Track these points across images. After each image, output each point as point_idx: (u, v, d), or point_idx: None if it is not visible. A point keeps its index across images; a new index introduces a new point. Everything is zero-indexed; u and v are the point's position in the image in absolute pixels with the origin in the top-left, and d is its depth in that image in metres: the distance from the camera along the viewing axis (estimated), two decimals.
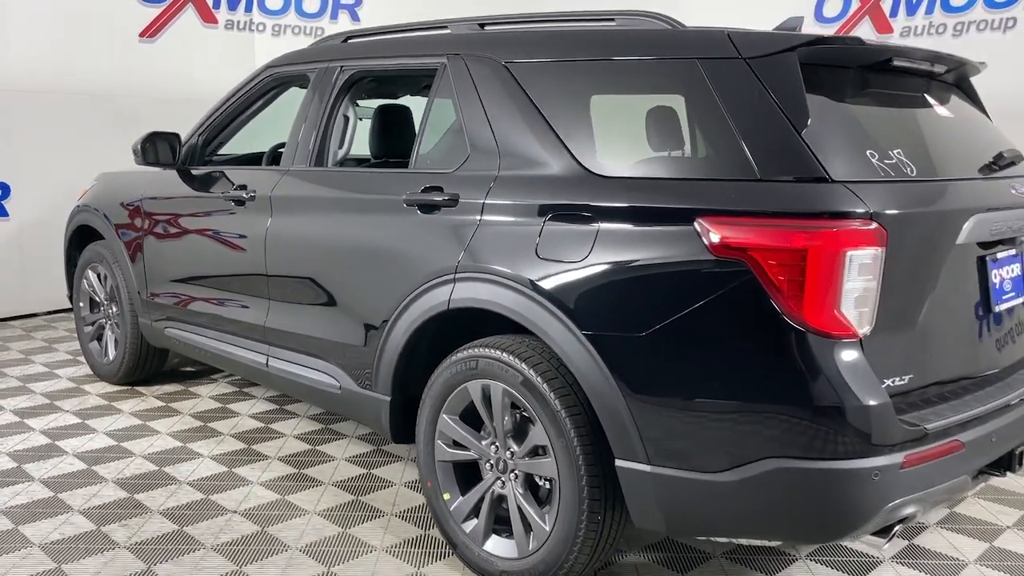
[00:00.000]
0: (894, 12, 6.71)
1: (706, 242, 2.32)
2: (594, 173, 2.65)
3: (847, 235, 2.19)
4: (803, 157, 2.28)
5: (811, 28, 7.08)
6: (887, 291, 2.27)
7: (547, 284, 2.61)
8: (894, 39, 6.67)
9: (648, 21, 2.80)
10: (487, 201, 2.85)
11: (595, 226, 2.55)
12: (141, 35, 7.08)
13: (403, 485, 3.71)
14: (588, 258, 2.54)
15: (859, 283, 2.21)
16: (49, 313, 6.94)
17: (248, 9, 7.55)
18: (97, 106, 6.76)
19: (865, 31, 6.85)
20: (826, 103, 2.45)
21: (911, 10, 6.62)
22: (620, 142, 2.78)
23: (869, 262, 2.21)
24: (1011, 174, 2.80)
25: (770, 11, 7.30)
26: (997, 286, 2.67)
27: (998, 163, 2.73)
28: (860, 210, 2.21)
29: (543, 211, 2.69)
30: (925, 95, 2.85)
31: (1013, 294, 2.76)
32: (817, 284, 2.19)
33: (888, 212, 2.23)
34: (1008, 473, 2.71)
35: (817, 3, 7.11)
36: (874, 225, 2.21)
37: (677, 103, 2.69)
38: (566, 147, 2.72)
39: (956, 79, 3.14)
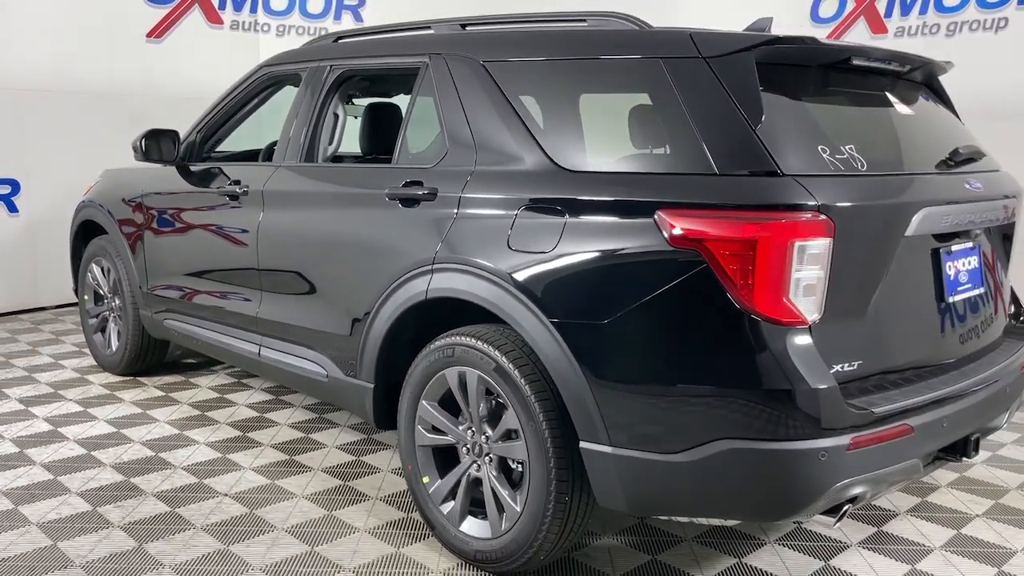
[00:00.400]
0: (888, 12, 6.78)
1: (665, 234, 2.42)
2: (563, 168, 2.76)
3: (795, 226, 2.29)
4: (757, 152, 2.38)
5: (807, 28, 7.16)
6: (836, 280, 2.37)
7: (517, 274, 2.72)
8: (889, 39, 6.74)
9: (617, 22, 2.90)
10: (463, 195, 2.97)
11: (563, 219, 2.66)
12: (148, 35, 7.23)
13: (390, 471, 3.83)
14: (555, 249, 2.64)
15: (807, 272, 2.31)
16: (58, 307, 7.10)
17: (253, 10, 7.69)
18: (105, 105, 6.91)
19: (860, 31, 6.93)
20: (782, 101, 2.54)
21: (905, 10, 6.69)
22: (590, 138, 2.88)
23: (817, 252, 2.31)
24: (969, 170, 2.89)
25: (764, 11, 7.40)
26: (951, 278, 2.76)
27: (954, 159, 2.82)
28: (809, 202, 2.31)
29: (515, 204, 2.80)
30: (887, 93, 2.94)
31: (969, 285, 2.85)
32: (766, 273, 2.29)
33: (836, 204, 2.33)
34: (963, 459, 2.80)
35: (813, 4, 7.19)
36: (822, 217, 2.31)
37: (644, 101, 2.79)
38: (538, 143, 2.84)
39: (924, 78, 3.23)
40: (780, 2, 7.45)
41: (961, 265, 2.81)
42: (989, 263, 3.04)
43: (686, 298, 2.42)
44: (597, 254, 2.57)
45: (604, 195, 2.62)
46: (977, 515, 3.51)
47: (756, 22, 3.02)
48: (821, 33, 7.11)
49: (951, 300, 2.77)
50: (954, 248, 2.77)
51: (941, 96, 3.30)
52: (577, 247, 2.61)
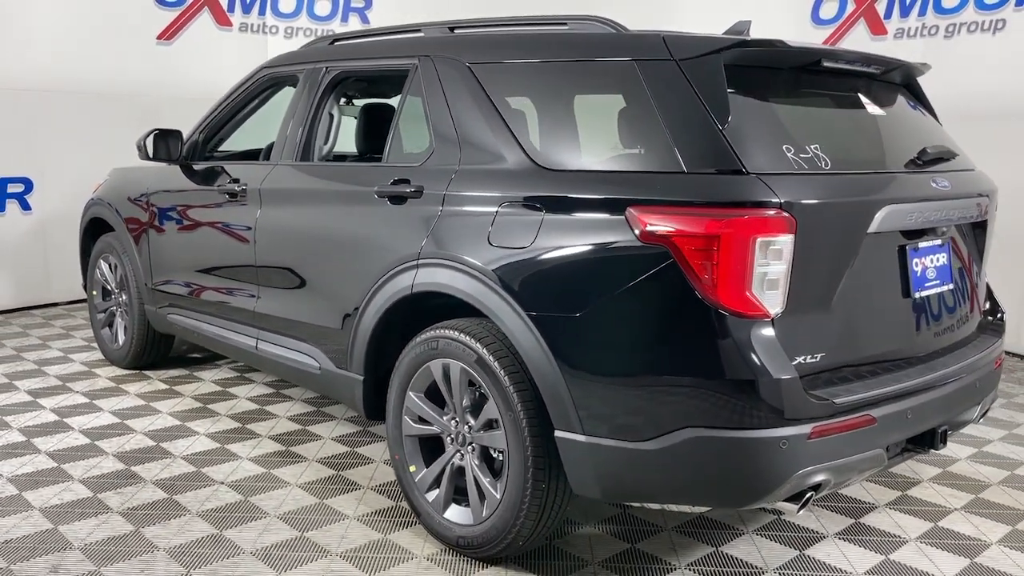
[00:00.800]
0: (888, 14, 6.82)
1: (635, 230, 2.52)
2: (542, 167, 2.85)
3: (757, 223, 2.38)
4: (723, 152, 2.47)
5: (807, 30, 7.23)
6: (799, 275, 2.45)
7: (496, 269, 2.82)
8: (888, 41, 6.79)
9: (595, 25, 2.99)
10: (448, 192, 3.07)
11: (540, 216, 2.76)
12: (158, 37, 7.37)
13: (382, 462, 3.94)
14: (533, 245, 2.74)
15: (769, 267, 2.40)
16: (69, 303, 7.25)
17: (262, 12, 7.82)
18: (116, 105, 7.05)
19: (860, 33, 6.98)
20: (750, 101, 2.63)
21: (904, 12, 6.74)
22: (568, 138, 2.96)
23: (779, 248, 2.40)
24: (940, 169, 2.96)
25: (767, 14, 7.48)
26: (918, 274, 2.83)
27: (921, 158, 2.89)
28: (771, 200, 2.39)
29: (496, 201, 2.90)
30: (860, 94, 3.01)
31: (937, 282, 2.92)
32: (729, 267, 2.38)
33: (798, 202, 2.42)
34: (931, 450, 2.88)
35: (813, 6, 7.25)
36: (784, 214, 2.40)
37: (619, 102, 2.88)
38: (518, 142, 2.93)
39: (903, 79, 3.30)
40: (781, 4, 7.52)
41: (929, 262, 2.88)
42: (961, 260, 3.11)
43: (655, 292, 2.51)
44: (572, 250, 2.66)
45: (579, 193, 2.72)
46: (956, 509, 3.58)
47: (735, 25, 3.10)
48: (822, 35, 7.18)
49: (918, 296, 2.84)
50: (921, 245, 2.85)
51: (919, 97, 3.37)
52: (553, 243, 2.70)
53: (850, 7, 7.05)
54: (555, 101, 3.05)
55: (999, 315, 3.44)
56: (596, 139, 2.93)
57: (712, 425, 2.42)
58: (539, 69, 3.05)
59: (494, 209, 2.90)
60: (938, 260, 2.92)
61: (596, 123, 2.99)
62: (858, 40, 6.93)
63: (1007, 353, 6.09)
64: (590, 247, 2.63)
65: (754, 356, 2.39)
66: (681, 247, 2.43)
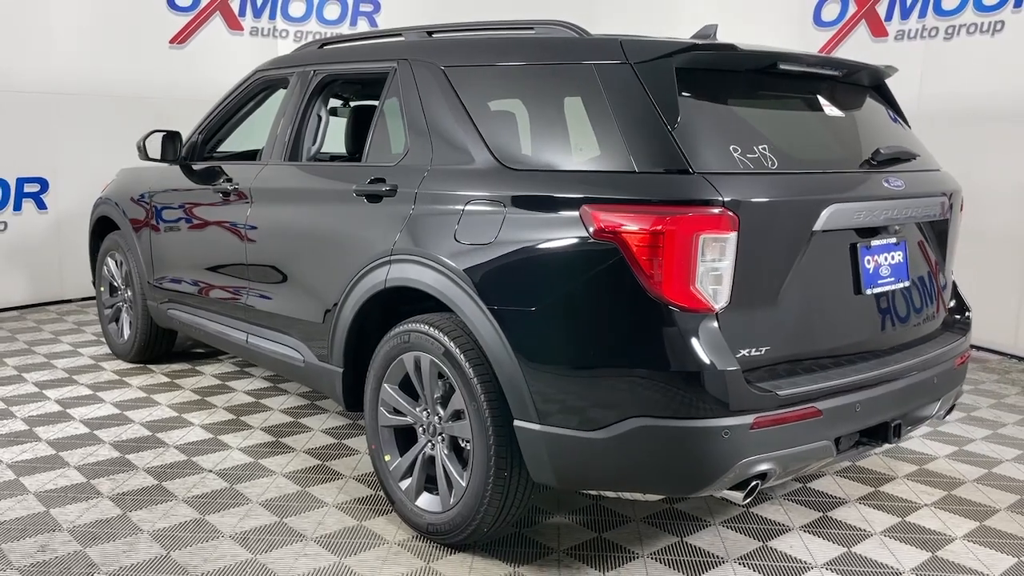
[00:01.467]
0: (888, 16, 6.85)
1: (589, 227, 2.61)
2: (506, 166, 2.96)
3: (700, 220, 2.47)
4: (671, 152, 2.56)
5: (809, 32, 7.27)
6: (743, 271, 2.53)
7: (461, 264, 2.93)
8: (889, 42, 6.82)
9: (560, 29, 3.09)
10: (419, 191, 3.18)
11: (502, 213, 2.86)
12: (171, 41, 7.56)
13: (366, 453, 4.05)
14: (494, 241, 2.85)
15: (713, 263, 2.49)
16: (82, 299, 7.46)
17: (272, 16, 7.98)
18: (129, 107, 7.24)
19: (861, 35, 7.01)
20: (701, 103, 2.72)
21: (905, 14, 6.75)
22: (530, 138, 3.06)
23: (722, 244, 2.48)
24: (899, 169, 3.03)
25: (768, 16, 7.52)
26: (870, 271, 2.90)
27: (875, 158, 2.95)
28: (715, 198, 2.48)
29: (463, 200, 3.01)
30: (821, 96, 3.09)
31: (892, 279, 2.98)
32: (674, 263, 2.47)
33: (741, 200, 2.50)
34: (885, 444, 2.94)
35: (815, 8, 7.28)
36: (727, 212, 2.48)
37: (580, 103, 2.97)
38: (485, 143, 3.04)
39: (871, 82, 3.36)
40: (783, 7, 7.56)
41: (883, 259, 2.94)
42: (921, 258, 3.17)
43: (606, 286, 2.61)
44: (530, 246, 2.76)
45: (538, 191, 2.82)
46: (926, 504, 3.63)
47: (702, 29, 3.18)
48: (823, 37, 7.21)
49: (869, 292, 2.90)
50: (874, 243, 2.91)
51: (887, 99, 3.43)
52: (513, 239, 2.80)
53: (851, 9, 7.08)
54: (522, 103, 3.14)
55: (965, 313, 3.48)
56: (558, 139, 3.02)
57: (658, 415, 2.51)
58: (506, 72, 3.15)
59: (461, 207, 3.00)
60: (892, 258, 2.98)
61: (560, 124, 3.07)
62: (859, 42, 6.96)
63: (1005, 355, 6.10)
64: (547, 244, 2.72)
65: (698, 349, 2.48)
66: (629, 243, 2.52)
